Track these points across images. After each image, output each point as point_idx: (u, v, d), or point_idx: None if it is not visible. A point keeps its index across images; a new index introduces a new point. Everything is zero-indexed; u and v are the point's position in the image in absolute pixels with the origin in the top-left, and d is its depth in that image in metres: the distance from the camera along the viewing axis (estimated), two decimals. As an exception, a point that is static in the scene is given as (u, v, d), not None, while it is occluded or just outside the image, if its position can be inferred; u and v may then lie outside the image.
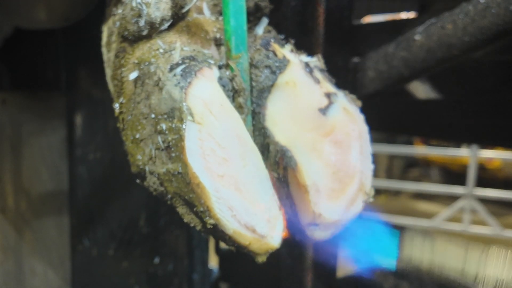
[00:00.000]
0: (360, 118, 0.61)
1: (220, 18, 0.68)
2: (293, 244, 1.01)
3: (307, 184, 0.56)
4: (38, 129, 1.37)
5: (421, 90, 1.27)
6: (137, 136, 0.59)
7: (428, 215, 4.83)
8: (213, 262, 1.45)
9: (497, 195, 4.65)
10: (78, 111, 1.32)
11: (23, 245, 1.40)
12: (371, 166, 0.60)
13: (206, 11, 0.68)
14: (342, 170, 0.57)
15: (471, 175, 4.54)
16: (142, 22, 0.61)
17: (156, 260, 1.32)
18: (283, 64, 0.63)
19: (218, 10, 0.68)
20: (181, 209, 0.57)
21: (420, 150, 6.10)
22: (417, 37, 0.86)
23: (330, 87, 0.62)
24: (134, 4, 0.61)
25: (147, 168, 0.58)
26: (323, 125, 0.59)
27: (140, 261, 1.33)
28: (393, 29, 1.05)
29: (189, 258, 1.28)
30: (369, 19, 1.31)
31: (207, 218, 0.52)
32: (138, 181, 0.64)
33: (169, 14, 0.62)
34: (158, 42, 0.61)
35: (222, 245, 1.40)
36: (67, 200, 1.41)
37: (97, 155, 1.33)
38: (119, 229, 1.34)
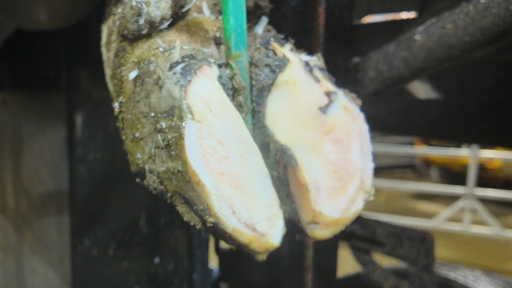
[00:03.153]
0: (360, 117, 0.61)
1: (220, 17, 0.68)
2: (293, 244, 1.01)
3: (307, 182, 0.56)
4: (39, 129, 1.38)
5: (421, 90, 1.27)
6: (137, 134, 0.59)
7: (429, 215, 4.84)
8: (213, 262, 1.45)
9: (497, 195, 4.67)
10: (78, 110, 1.32)
11: (24, 244, 1.41)
12: (371, 165, 0.59)
13: (206, 11, 0.68)
14: (343, 169, 0.57)
15: (472, 175, 4.55)
16: (142, 21, 0.61)
17: (156, 260, 1.32)
18: (283, 63, 0.63)
19: (218, 10, 0.68)
20: (181, 208, 0.57)
21: (420, 150, 6.11)
22: (418, 37, 0.85)
23: (330, 86, 0.62)
24: (134, 3, 0.62)
25: (146, 167, 0.59)
26: (323, 124, 0.59)
27: (140, 261, 1.33)
28: (394, 29, 1.05)
29: (189, 258, 1.29)
30: (370, 19, 1.31)
31: (207, 216, 0.52)
32: (138, 180, 0.64)
33: (169, 13, 0.62)
34: (158, 41, 0.62)
35: (222, 245, 1.41)
36: (68, 200, 1.41)
37: (97, 155, 1.33)
38: (119, 229, 1.34)
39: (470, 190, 4.54)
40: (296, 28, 0.91)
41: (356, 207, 0.57)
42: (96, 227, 1.34)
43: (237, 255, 1.30)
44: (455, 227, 4.50)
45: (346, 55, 0.97)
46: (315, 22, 0.90)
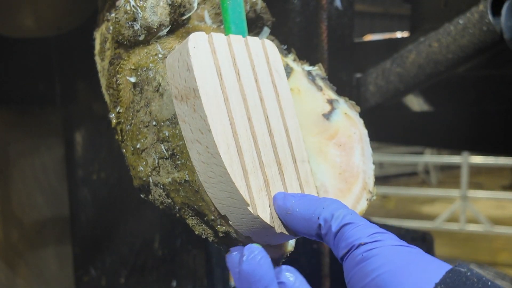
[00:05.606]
0: (360, 122, 0.69)
1: (222, 26, 0.73)
2: (311, 252, 1.09)
3: (316, 185, 0.62)
4: (30, 149, 1.38)
5: (415, 103, 1.51)
6: (138, 146, 0.64)
7: (431, 217, 5.75)
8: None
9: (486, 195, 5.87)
10: (77, 127, 1.33)
11: (17, 281, 1.39)
12: (372, 166, 0.67)
13: (208, 19, 0.73)
14: (347, 171, 0.64)
15: (464, 178, 5.65)
16: (137, 26, 0.66)
17: (174, 283, 1.34)
18: (287, 71, 0.69)
19: (220, 19, 0.73)
20: (191, 221, 0.62)
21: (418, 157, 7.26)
22: (409, 54, 1.03)
23: (331, 94, 0.69)
24: (128, 7, 0.66)
25: (151, 180, 0.63)
26: (327, 129, 0.66)
27: (156, 286, 1.36)
28: (390, 46, 1.20)
29: (208, 278, 1.31)
30: (370, 37, 1.45)
31: (219, 226, 0.56)
32: (142, 195, 0.69)
33: (167, 19, 0.67)
34: (157, 47, 0.66)
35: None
36: (69, 226, 1.42)
37: (101, 175, 1.35)
38: (130, 255, 1.36)
39: (464, 193, 5.60)
40: (302, 44, 1.05)
41: (361, 207, 0.63)
42: (104, 255, 1.36)
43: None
44: (453, 226, 5.44)
45: (349, 71, 1.11)
46: (319, 39, 1.03)
